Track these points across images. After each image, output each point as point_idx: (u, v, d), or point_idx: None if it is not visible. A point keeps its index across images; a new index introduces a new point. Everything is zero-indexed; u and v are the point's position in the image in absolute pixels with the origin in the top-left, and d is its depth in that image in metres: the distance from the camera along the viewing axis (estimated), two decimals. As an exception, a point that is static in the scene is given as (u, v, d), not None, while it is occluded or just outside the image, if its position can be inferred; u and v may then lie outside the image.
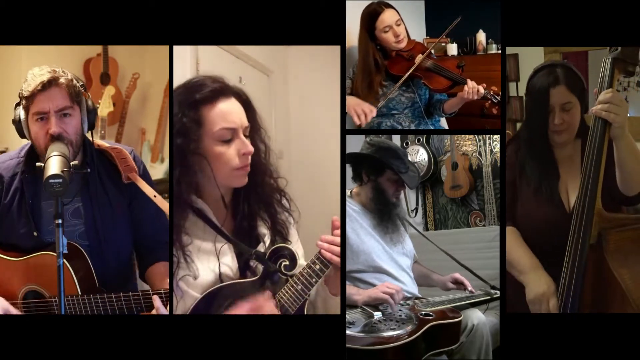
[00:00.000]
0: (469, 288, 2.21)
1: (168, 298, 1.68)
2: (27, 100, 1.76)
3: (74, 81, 1.81)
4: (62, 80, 1.76)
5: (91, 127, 1.86)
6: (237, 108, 1.67)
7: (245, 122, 1.68)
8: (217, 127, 1.62)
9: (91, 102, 1.87)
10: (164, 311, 1.69)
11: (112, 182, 1.88)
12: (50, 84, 1.74)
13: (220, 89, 1.66)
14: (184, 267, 1.62)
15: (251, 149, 1.66)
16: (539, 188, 1.90)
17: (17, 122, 1.80)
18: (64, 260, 1.71)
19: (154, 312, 1.71)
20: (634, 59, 1.74)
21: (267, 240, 1.75)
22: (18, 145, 2.00)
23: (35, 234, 1.80)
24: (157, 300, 1.70)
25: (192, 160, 1.62)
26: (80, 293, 1.75)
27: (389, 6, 2.40)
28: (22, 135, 1.83)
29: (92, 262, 1.79)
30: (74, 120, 1.80)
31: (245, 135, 1.67)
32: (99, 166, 1.88)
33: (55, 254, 1.71)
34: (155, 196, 1.82)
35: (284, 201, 1.81)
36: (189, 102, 1.62)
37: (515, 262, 1.89)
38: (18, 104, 1.81)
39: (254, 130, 1.73)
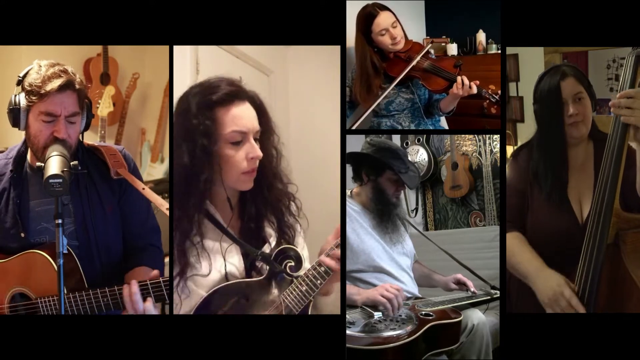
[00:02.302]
0: (472, 289, 2.20)
1: (168, 295, 1.67)
2: (37, 96, 1.70)
3: (84, 85, 1.79)
4: (77, 85, 1.74)
5: (86, 129, 1.85)
6: (250, 112, 1.69)
7: (257, 127, 1.69)
8: (228, 129, 1.64)
9: (90, 104, 1.84)
10: (139, 306, 1.65)
11: (102, 179, 1.85)
12: (66, 87, 1.71)
13: (236, 93, 1.67)
14: (193, 266, 1.63)
15: (259, 153, 1.67)
16: (550, 196, 1.87)
17: (15, 110, 1.73)
18: (51, 260, 1.71)
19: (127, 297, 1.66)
20: None
21: (273, 242, 1.76)
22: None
23: (22, 234, 1.78)
24: (134, 285, 1.65)
25: (204, 163, 1.63)
26: (66, 292, 1.68)
27: (384, 8, 2.39)
28: (15, 124, 1.76)
29: (82, 262, 1.75)
30: (77, 125, 1.79)
31: (255, 139, 1.68)
32: (89, 164, 1.85)
33: (41, 252, 1.73)
34: (143, 189, 1.80)
35: (293, 207, 1.81)
36: (205, 103, 1.64)
37: (517, 266, 1.86)
38: (18, 90, 1.74)
39: (266, 135, 1.74)
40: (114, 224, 1.87)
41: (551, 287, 1.74)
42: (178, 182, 1.65)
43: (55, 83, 1.69)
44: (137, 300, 1.66)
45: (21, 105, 1.73)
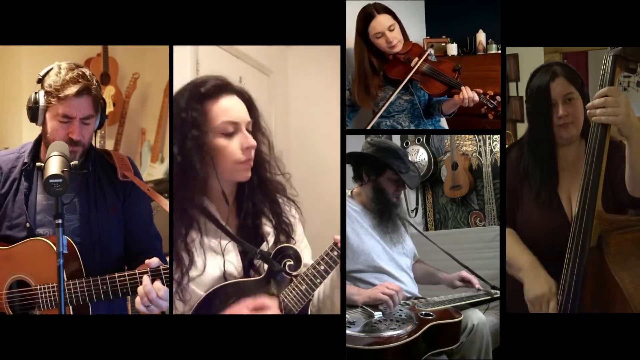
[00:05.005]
0: (477, 286, 2.20)
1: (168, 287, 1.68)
2: (56, 99, 1.78)
3: (99, 88, 1.86)
4: (93, 91, 1.81)
5: (99, 127, 1.91)
6: (239, 105, 1.70)
7: (248, 118, 1.71)
8: (219, 120, 1.65)
9: (105, 105, 1.91)
10: (152, 292, 1.66)
11: (108, 181, 1.91)
12: (83, 92, 1.78)
13: (223, 86, 1.70)
14: (189, 268, 1.63)
15: (254, 142, 1.68)
16: (540, 195, 1.87)
17: (33, 107, 1.81)
18: (54, 247, 1.72)
19: (140, 290, 1.67)
20: (636, 56, 1.71)
21: (271, 239, 1.76)
22: (18, 145, 2.00)
23: (28, 224, 1.82)
24: (146, 279, 1.68)
25: (195, 155, 1.64)
26: (66, 279, 1.72)
27: (384, 10, 2.37)
28: (33, 120, 1.84)
29: (82, 258, 1.79)
30: (90, 127, 1.85)
31: (248, 131, 1.69)
32: (98, 166, 1.91)
33: (45, 239, 1.78)
34: (148, 189, 1.88)
35: (288, 194, 1.81)
36: (194, 97, 1.66)
37: (512, 260, 1.87)
38: (38, 89, 1.82)
39: (257, 129, 1.75)
40: (116, 224, 1.90)
41: (541, 286, 1.75)
42: (177, 182, 1.65)
43: (74, 89, 1.77)
44: (154, 299, 1.66)
45: (40, 104, 1.81)
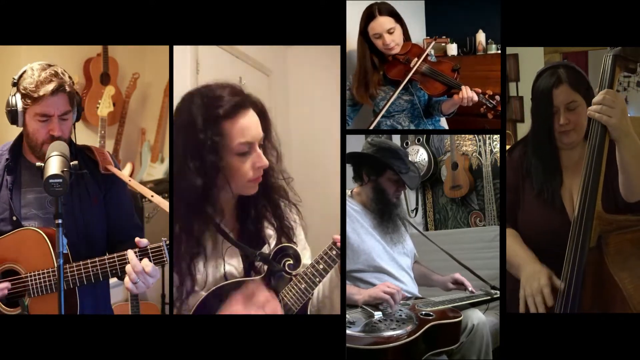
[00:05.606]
0: (470, 288, 2.21)
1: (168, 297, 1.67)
2: (32, 100, 1.80)
3: (72, 83, 1.88)
4: (67, 87, 1.84)
5: (77, 120, 1.94)
6: (255, 120, 1.68)
7: (261, 134, 1.69)
8: (235, 141, 1.63)
9: (80, 99, 1.93)
10: (138, 265, 1.68)
11: (90, 175, 1.93)
12: (58, 90, 1.81)
13: (241, 103, 1.66)
14: (189, 280, 1.64)
15: (266, 162, 1.67)
16: (541, 194, 1.87)
17: (12, 111, 1.84)
18: (44, 234, 1.78)
19: (128, 267, 1.69)
20: (636, 56, 1.71)
21: (273, 242, 1.76)
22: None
23: (14, 218, 1.85)
24: (130, 253, 1.71)
25: (212, 174, 1.63)
26: (55, 265, 1.75)
27: (386, 12, 2.37)
28: (13, 122, 1.87)
29: (68, 247, 1.79)
30: (69, 122, 1.88)
31: (260, 145, 1.68)
32: (79, 160, 1.88)
33: (35, 228, 1.80)
34: (130, 180, 1.93)
35: (291, 198, 1.81)
36: (212, 118, 1.62)
37: (511, 259, 1.87)
38: (14, 91, 1.84)
39: (267, 139, 1.74)
40: (98, 214, 1.93)
41: (534, 280, 1.73)
42: (184, 198, 1.65)
43: (48, 88, 1.80)
44: (140, 272, 1.69)
45: (18, 106, 1.84)
